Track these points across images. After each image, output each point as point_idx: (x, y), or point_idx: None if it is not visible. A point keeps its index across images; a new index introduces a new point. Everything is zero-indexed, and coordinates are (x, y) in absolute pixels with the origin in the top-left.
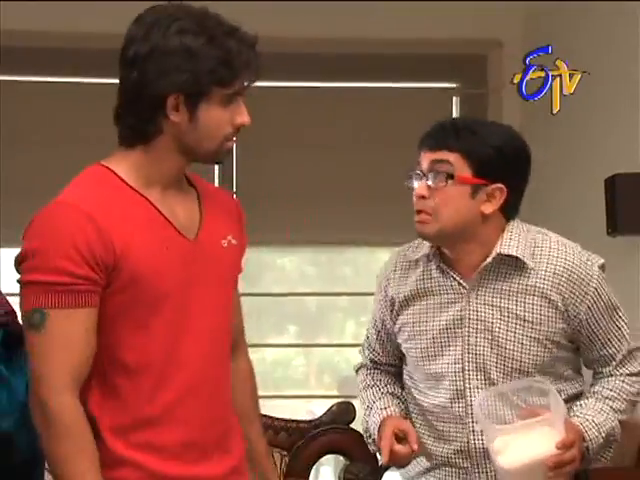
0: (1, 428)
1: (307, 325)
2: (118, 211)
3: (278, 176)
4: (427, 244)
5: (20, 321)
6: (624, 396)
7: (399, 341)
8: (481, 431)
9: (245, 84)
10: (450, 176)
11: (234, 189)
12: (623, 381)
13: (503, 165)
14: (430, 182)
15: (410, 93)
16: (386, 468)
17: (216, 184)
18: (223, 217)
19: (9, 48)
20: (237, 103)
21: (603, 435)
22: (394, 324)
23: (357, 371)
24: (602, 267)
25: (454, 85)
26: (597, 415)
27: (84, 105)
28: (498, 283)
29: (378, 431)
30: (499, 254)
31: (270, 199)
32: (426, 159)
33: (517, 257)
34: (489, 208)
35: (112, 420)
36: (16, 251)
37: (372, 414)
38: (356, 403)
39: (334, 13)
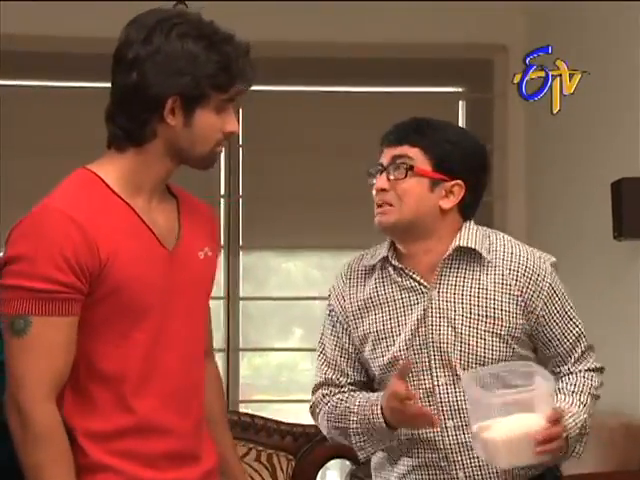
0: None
1: (312, 329)
2: (104, 218)
3: (284, 180)
4: (384, 248)
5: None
6: (587, 390)
7: (363, 353)
8: (454, 427)
9: (238, 90)
10: (410, 168)
11: (240, 193)
12: (584, 376)
13: (461, 162)
14: (391, 175)
15: (416, 97)
16: None
17: (222, 189)
18: (201, 228)
19: (8, 52)
20: (228, 111)
21: (578, 425)
22: (356, 336)
23: (316, 399)
24: (554, 265)
25: (460, 89)
26: (570, 407)
27: (84, 110)
28: (459, 279)
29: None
30: (458, 246)
31: (276, 203)
32: (387, 154)
33: (475, 250)
34: (447, 204)
35: (88, 427)
36: None
37: (360, 410)
38: None
39: (340, 17)
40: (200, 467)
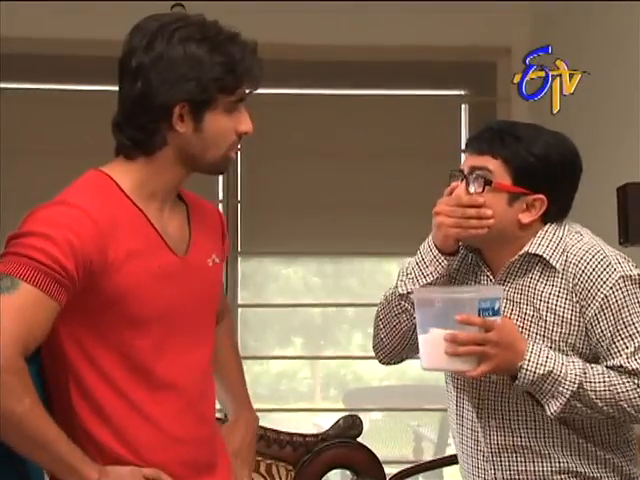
0: None
1: (312, 337)
2: (117, 220)
3: (283, 186)
4: None
5: None
6: (607, 379)
7: None
8: (496, 427)
9: (248, 91)
10: (488, 182)
11: (239, 199)
12: (618, 372)
13: (544, 177)
14: (470, 187)
15: (419, 100)
16: None
17: (220, 195)
18: (210, 234)
19: (8, 55)
20: (240, 111)
21: (546, 367)
22: None
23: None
24: (629, 278)
25: (463, 92)
26: (557, 355)
27: (84, 113)
28: (524, 280)
29: None
30: (526, 252)
31: (275, 209)
32: (468, 162)
33: (543, 257)
34: (527, 218)
35: (105, 436)
36: None
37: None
38: (362, 416)
39: (340, 19)
40: (217, 476)
